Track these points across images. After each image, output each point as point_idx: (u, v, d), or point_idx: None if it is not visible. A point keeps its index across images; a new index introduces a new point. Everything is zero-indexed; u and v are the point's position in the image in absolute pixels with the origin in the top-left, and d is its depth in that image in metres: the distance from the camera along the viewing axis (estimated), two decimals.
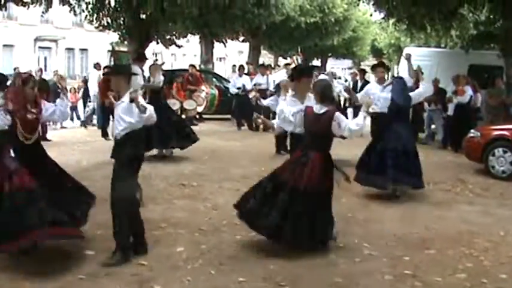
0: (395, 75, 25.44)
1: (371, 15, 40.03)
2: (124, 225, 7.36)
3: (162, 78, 14.18)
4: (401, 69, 23.16)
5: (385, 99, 11.12)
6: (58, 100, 8.13)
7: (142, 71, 13.93)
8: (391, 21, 23.77)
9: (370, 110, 8.77)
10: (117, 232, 7.36)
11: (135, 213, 7.56)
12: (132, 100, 7.16)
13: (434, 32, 24.11)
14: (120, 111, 7.45)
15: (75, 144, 16.06)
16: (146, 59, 14.75)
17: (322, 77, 13.66)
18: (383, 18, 24.52)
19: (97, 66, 21.89)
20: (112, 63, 15.66)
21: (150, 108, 7.35)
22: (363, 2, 24.60)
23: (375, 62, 14.89)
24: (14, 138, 7.41)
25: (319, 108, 7.89)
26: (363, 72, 21.89)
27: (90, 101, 22.94)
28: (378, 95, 11.34)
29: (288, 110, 8.37)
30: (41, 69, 22.40)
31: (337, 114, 7.90)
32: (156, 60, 23.68)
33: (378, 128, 11.49)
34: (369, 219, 9.29)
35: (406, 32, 27.68)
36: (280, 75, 21.24)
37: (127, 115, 7.39)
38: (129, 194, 7.44)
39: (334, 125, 7.79)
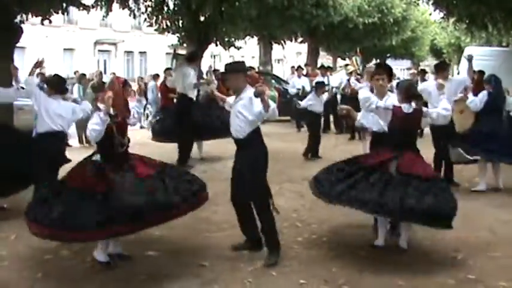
0: (455, 75, 25.10)
1: (430, 14, 39.65)
2: (272, 220, 7.50)
3: (215, 81, 14.30)
4: (462, 69, 22.86)
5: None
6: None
7: (195, 71, 13.96)
8: (451, 20, 23.46)
9: None
10: (269, 230, 7.52)
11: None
12: (258, 95, 7.15)
13: (496, 31, 23.72)
14: (239, 108, 7.42)
15: (134, 146, 16.17)
16: (199, 58, 14.67)
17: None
18: (442, 17, 24.20)
19: (155, 77, 22.42)
20: (173, 65, 15.70)
21: (274, 105, 7.35)
22: (422, 1, 24.33)
23: (436, 62, 14.70)
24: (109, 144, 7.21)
25: (407, 108, 7.91)
26: (423, 72, 21.62)
27: (148, 104, 23.24)
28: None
29: (375, 98, 8.35)
30: (100, 73, 22.69)
31: (425, 109, 8.10)
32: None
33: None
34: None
35: (467, 31, 27.28)
36: (340, 76, 21.18)
37: (248, 112, 7.37)
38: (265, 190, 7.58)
39: (424, 121, 8.09)
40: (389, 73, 8.80)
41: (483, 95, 11.64)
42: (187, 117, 13.74)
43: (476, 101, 11.64)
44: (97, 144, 7.22)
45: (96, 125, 6.93)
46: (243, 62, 8.37)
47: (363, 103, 8.49)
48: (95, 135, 6.98)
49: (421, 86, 12.04)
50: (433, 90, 11.07)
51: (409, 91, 8.03)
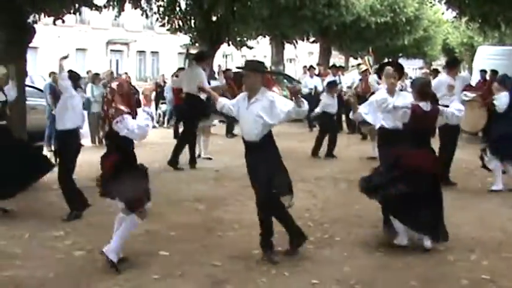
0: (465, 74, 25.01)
1: (443, 14, 39.52)
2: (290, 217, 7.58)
3: (224, 81, 14.27)
4: (475, 69, 22.79)
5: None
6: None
7: (205, 70, 13.91)
8: (464, 19, 23.37)
9: None
10: (290, 226, 7.60)
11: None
12: (295, 94, 7.17)
13: (509, 30, 23.63)
14: (260, 112, 7.34)
15: (147, 145, 16.22)
16: (209, 58, 14.56)
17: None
18: (455, 16, 24.11)
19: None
20: (186, 65, 15.71)
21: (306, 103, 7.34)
22: (435, 0, 24.27)
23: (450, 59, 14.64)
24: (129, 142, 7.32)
25: (426, 106, 7.92)
26: (436, 72, 21.55)
27: (163, 103, 23.26)
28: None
29: (392, 100, 8.36)
30: (111, 72, 22.69)
31: (441, 108, 8.11)
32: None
33: None
34: (445, 222, 9.11)
35: (479, 31, 27.17)
36: (352, 76, 21.12)
37: (269, 116, 7.31)
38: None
39: (439, 120, 8.08)
40: (401, 72, 8.82)
41: (505, 95, 11.46)
42: (191, 119, 13.73)
43: (503, 101, 11.45)
44: (116, 143, 7.19)
45: (147, 121, 7.11)
46: (263, 63, 8.31)
47: (380, 104, 8.46)
48: (147, 130, 7.15)
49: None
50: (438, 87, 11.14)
51: (423, 89, 8.04)
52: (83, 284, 6.54)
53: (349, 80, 20.79)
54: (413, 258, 7.56)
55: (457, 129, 11.51)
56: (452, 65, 12.16)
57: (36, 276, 6.82)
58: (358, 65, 22.02)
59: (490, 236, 8.55)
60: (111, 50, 55.52)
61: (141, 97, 7.59)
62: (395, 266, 7.31)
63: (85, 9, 14.61)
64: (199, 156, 14.55)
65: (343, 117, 20.86)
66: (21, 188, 9.49)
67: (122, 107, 6.94)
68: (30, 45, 12.50)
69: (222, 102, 7.93)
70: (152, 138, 17.08)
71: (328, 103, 15.58)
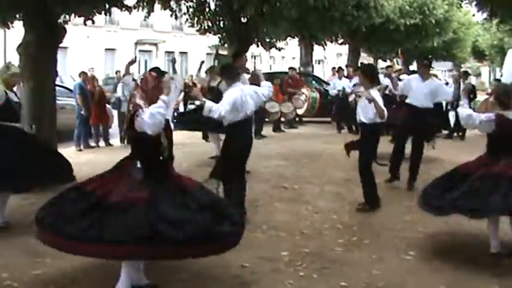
0: (498, 77, 24.83)
1: (473, 15, 39.25)
2: None
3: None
4: (505, 71, 22.62)
5: None
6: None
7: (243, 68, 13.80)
8: (495, 21, 23.20)
9: None
10: None
11: None
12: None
13: None
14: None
15: (175, 146, 16.25)
16: (243, 54, 14.23)
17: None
18: (485, 18, 23.94)
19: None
20: (217, 64, 15.70)
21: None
22: (465, 2, 24.08)
23: (478, 64, 14.56)
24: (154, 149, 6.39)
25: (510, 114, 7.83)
26: (466, 74, 21.40)
27: (191, 103, 23.27)
28: None
29: (477, 115, 8.19)
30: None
31: None
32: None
33: None
34: (473, 225, 9.01)
35: (510, 33, 26.96)
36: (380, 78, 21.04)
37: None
38: None
39: None
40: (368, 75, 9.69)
41: None
42: None
43: None
44: (137, 149, 6.49)
45: (160, 109, 6.13)
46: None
47: (467, 121, 8.33)
48: (159, 119, 6.11)
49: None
50: None
51: (503, 96, 7.97)
52: (112, 282, 6.57)
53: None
54: (442, 262, 7.50)
55: None
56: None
57: (66, 275, 6.86)
58: (387, 67, 21.92)
59: None
60: (140, 51, 55.68)
61: None
62: (424, 269, 7.27)
63: (114, 10, 14.67)
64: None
65: None
66: (34, 182, 9.23)
67: (141, 102, 6.23)
68: (60, 45, 12.58)
69: (209, 106, 8.28)
70: (180, 138, 17.14)
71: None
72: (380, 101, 9.19)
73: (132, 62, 9.88)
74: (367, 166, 9.88)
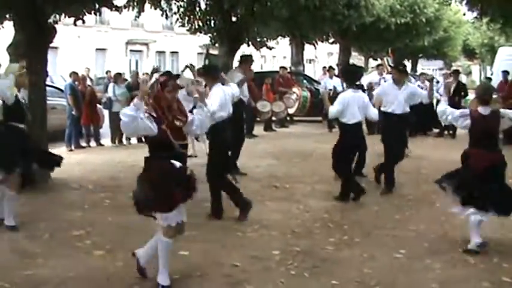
0: (488, 75, 24.89)
1: (464, 14, 39.35)
2: None
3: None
4: (495, 70, 22.66)
5: None
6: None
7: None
8: (485, 20, 23.25)
9: None
10: None
11: None
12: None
13: None
14: None
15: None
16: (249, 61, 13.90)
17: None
18: (476, 17, 24.00)
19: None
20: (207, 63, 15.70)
21: None
22: (455, 1, 24.15)
23: (468, 63, 14.61)
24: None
25: (484, 110, 7.97)
26: (457, 73, 21.44)
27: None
28: None
29: (451, 111, 8.43)
30: (137, 73, 22.74)
31: (502, 110, 8.18)
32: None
33: None
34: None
35: (501, 31, 27.03)
36: (372, 77, 21.06)
37: None
38: None
39: (502, 122, 8.07)
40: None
41: None
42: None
43: None
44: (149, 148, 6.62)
45: (129, 110, 6.15)
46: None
47: (441, 116, 8.58)
48: (129, 120, 6.10)
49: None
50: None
51: (482, 93, 8.13)
52: (103, 283, 6.56)
53: (369, 81, 20.71)
54: (433, 260, 7.52)
55: None
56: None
57: (57, 275, 6.84)
58: (378, 66, 21.96)
59: (510, 239, 8.50)
60: (131, 50, 55.65)
61: None
62: (415, 267, 7.29)
63: (105, 10, 14.64)
64: None
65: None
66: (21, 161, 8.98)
67: (138, 103, 6.16)
68: (51, 45, 12.55)
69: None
70: None
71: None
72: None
73: (156, 70, 9.80)
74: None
